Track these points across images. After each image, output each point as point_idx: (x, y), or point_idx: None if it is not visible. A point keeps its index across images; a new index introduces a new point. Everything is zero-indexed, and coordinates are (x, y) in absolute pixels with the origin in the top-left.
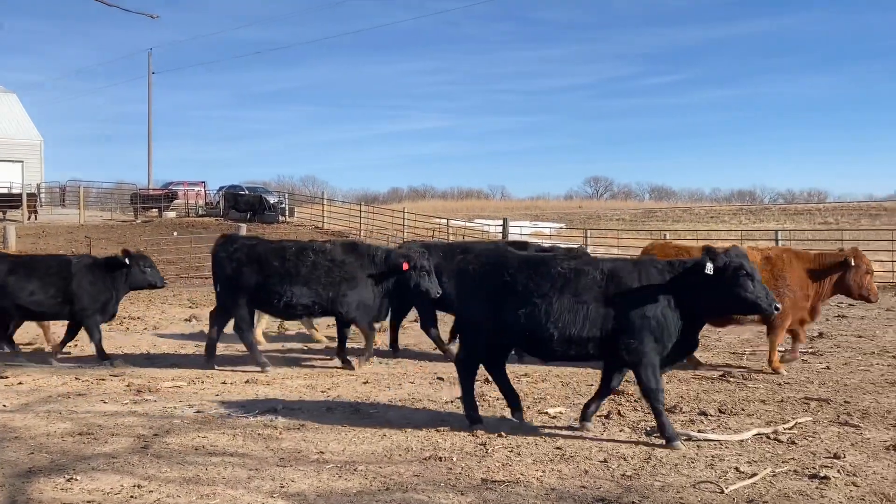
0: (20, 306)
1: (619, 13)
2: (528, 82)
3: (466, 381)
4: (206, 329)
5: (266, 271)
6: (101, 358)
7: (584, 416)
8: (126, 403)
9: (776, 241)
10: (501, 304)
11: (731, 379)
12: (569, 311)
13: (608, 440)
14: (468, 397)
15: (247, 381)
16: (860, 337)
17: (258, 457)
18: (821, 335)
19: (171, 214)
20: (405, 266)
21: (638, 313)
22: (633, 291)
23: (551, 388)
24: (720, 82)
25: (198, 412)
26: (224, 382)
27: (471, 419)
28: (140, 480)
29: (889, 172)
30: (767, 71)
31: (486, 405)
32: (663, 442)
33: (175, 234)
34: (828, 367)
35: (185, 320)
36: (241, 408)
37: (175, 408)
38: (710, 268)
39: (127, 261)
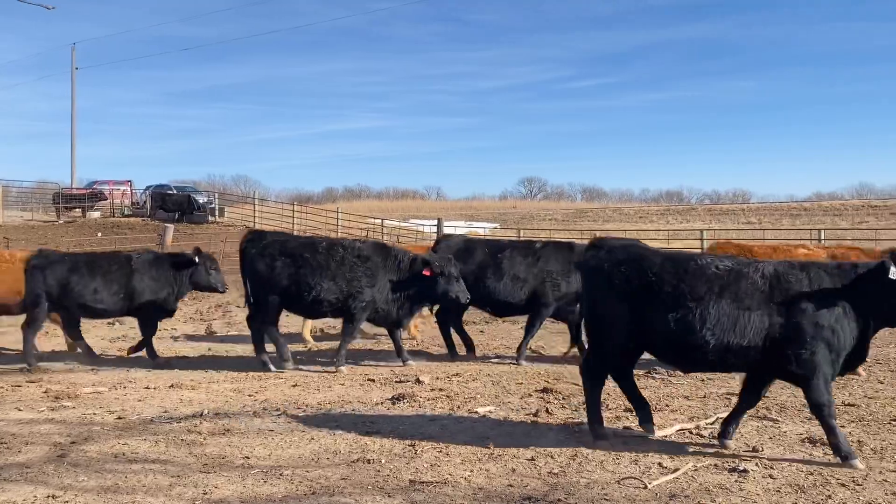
0: (84, 305)
1: (551, 16)
2: (463, 83)
3: (594, 390)
4: (129, 333)
5: (297, 267)
6: (152, 357)
7: (724, 434)
8: (42, 411)
9: (702, 241)
10: (644, 307)
11: (657, 376)
12: (727, 318)
13: (536, 438)
14: (594, 409)
15: (171, 386)
16: None
17: (181, 463)
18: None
19: (96, 215)
20: (427, 273)
21: (811, 321)
22: (803, 297)
23: (482, 387)
24: (649, 86)
25: (119, 418)
26: (147, 387)
27: (595, 434)
28: (55, 490)
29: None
30: (694, 75)
31: (417, 406)
32: (838, 461)
33: (99, 234)
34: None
35: (109, 324)
36: (164, 413)
37: (95, 414)
38: (894, 272)
39: (196, 259)
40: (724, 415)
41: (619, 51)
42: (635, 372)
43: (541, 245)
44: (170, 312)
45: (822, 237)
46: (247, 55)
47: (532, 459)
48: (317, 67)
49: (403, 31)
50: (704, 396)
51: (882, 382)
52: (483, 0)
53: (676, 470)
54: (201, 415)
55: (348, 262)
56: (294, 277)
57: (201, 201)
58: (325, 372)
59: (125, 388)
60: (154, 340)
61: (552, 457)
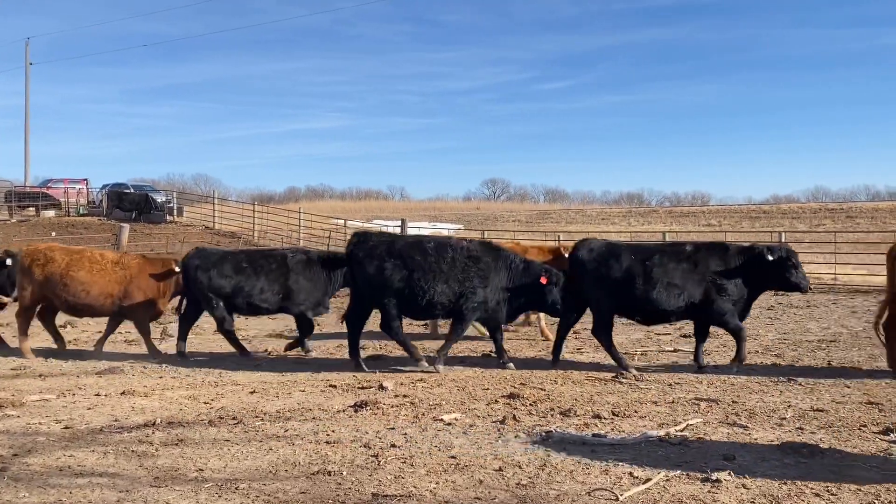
0: (251, 304)
1: (516, 18)
2: (427, 84)
3: None
4: (81, 336)
5: (408, 268)
6: (305, 350)
7: None
8: None
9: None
10: None
11: (624, 380)
12: None
13: (504, 447)
14: None
15: (123, 393)
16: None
17: (130, 476)
18: (685, 336)
19: (50, 214)
20: (544, 280)
21: None
22: None
23: (447, 392)
24: (612, 88)
25: (66, 428)
26: (98, 394)
27: None
28: None
29: (766, 177)
30: (656, 79)
31: (380, 413)
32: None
33: (53, 234)
34: (716, 367)
35: (60, 326)
36: (114, 422)
37: (40, 424)
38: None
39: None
40: (695, 421)
41: (582, 53)
42: (602, 376)
43: (693, 248)
44: (325, 310)
45: (783, 239)
46: (208, 52)
47: (500, 470)
48: (280, 66)
49: (368, 30)
50: (673, 402)
51: (849, 387)
52: (447, 1)
53: (648, 480)
54: (153, 424)
55: (460, 262)
56: (406, 280)
57: (159, 200)
58: (285, 378)
59: (74, 395)
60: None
61: (520, 467)
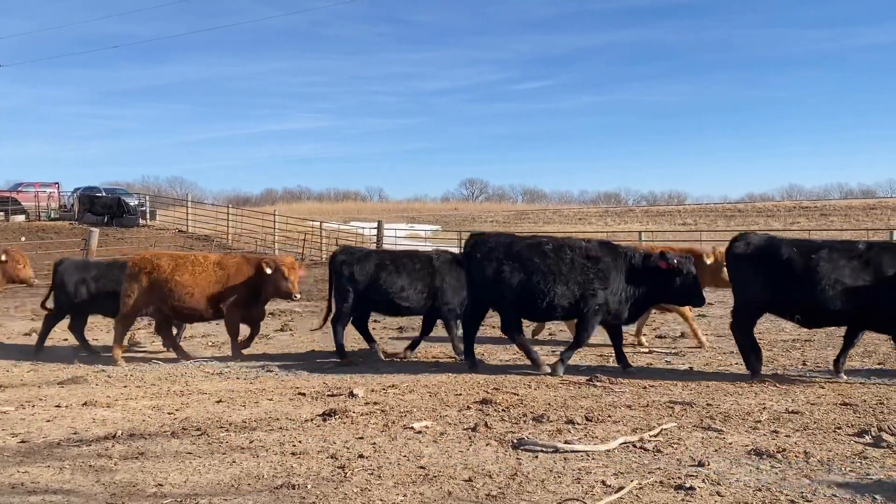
0: (391, 302)
1: (493, 18)
2: (405, 84)
3: None
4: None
5: (527, 270)
6: (458, 353)
7: None
8: None
9: (640, 242)
10: None
11: (598, 383)
12: None
13: (474, 455)
14: None
15: (84, 404)
16: (720, 336)
17: (86, 493)
18: (682, 335)
19: (20, 218)
20: (664, 265)
21: None
22: None
23: (419, 399)
24: (588, 89)
25: (22, 442)
26: (58, 406)
27: None
28: None
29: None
30: (632, 79)
31: (349, 422)
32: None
33: (23, 239)
34: (690, 369)
35: (25, 335)
36: (74, 434)
37: None
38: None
39: None
40: (669, 425)
41: (558, 54)
42: (577, 379)
43: (866, 246)
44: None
45: None
46: (183, 54)
47: (469, 480)
48: (256, 67)
49: (344, 31)
50: (647, 405)
51: (823, 388)
52: (425, 1)
53: (621, 489)
54: (114, 436)
55: (579, 264)
56: (524, 282)
57: (132, 204)
58: (253, 386)
59: (34, 406)
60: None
61: (490, 476)
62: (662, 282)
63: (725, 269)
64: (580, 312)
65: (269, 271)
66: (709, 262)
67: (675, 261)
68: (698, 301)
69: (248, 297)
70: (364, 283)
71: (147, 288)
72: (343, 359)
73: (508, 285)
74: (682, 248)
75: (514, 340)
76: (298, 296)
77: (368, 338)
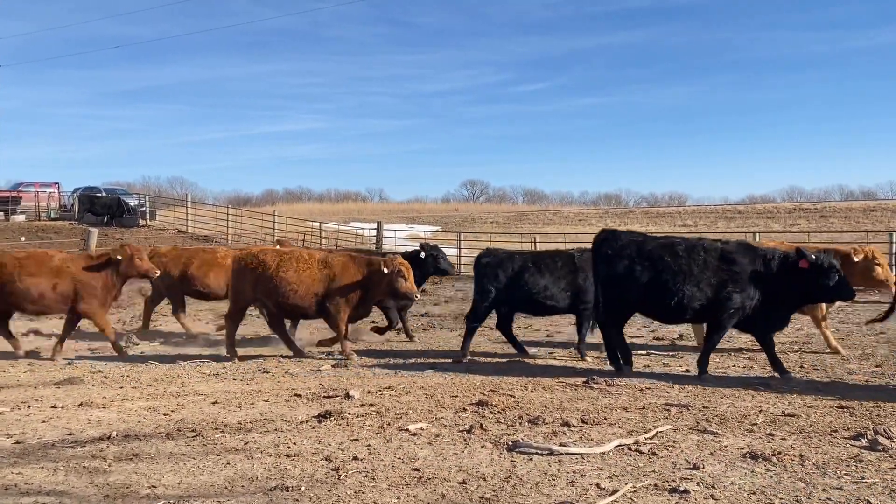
0: (536, 302)
1: (492, 20)
2: (404, 86)
3: None
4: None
5: (657, 269)
6: (582, 355)
7: None
8: None
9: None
10: None
11: (595, 385)
12: None
13: (469, 458)
14: None
15: (80, 405)
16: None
17: (79, 495)
18: (680, 336)
19: (20, 218)
20: (804, 265)
21: None
22: None
23: (415, 401)
24: (588, 90)
25: (17, 443)
26: (54, 406)
27: None
28: None
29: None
30: (632, 80)
31: (345, 423)
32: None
33: (23, 239)
34: (687, 370)
35: (23, 335)
36: (69, 436)
37: None
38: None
39: None
40: (664, 428)
41: (557, 56)
42: (573, 381)
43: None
44: None
45: (757, 239)
46: (183, 54)
47: (463, 483)
48: (256, 68)
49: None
50: (643, 407)
51: (820, 390)
52: (424, 3)
53: (615, 492)
54: (109, 437)
55: (713, 265)
56: (653, 281)
57: (132, 204)
58: (249, 387)
59: (29, 407)
60: None
61: (485, 479)
62: (805, 281)
63: (876, 267)
64: (713, 315)
65: (386, 270)
66: (857, 259)
67: (815, 257)
68: (847, 294)
69: (353, 296)
70: (508, 284)
71: (252, 283)
72: (464, 357)
73: (635, 284)
74: (821, 246)
75: (606, 338)
76: (418, 296)
77: (514, 342)
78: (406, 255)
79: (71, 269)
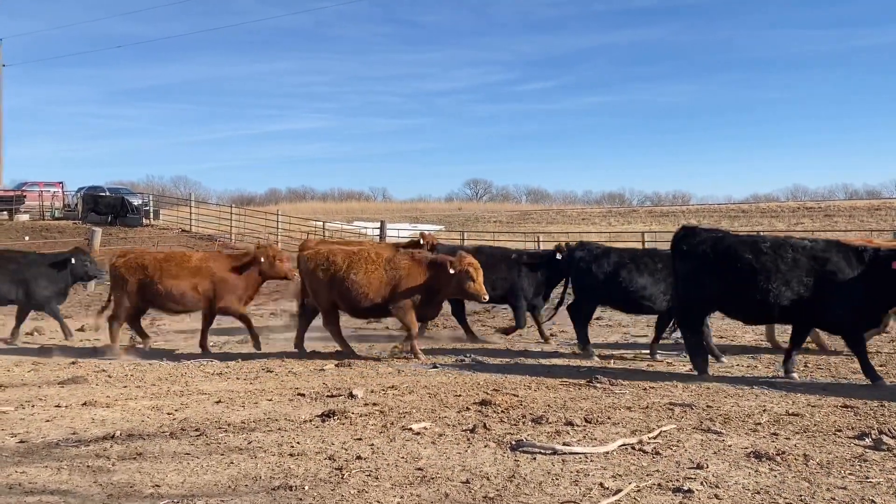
0: (632, 300)
1: (496, 19)
2: (408, 85)
3: None
4: (48, 343)
5: (739, 267)
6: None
7: None
8: None
9: (643, 243)
10: None
11: (598, 385)
12: None
13: (472, 457)
14: None
15: (84, 404)
16: (721, 338)
17: (83, 494)
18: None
19: (24, 217)
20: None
21: None
22: None
23: (418, 400)
24: (592, 89)
25: (21, 442)
26: (58, 406)
27: None
28: None
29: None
30: (635, 79)
31: (348, 423)
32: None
33: (27, 238)
34: (692, 370)
35: (27, 333)
36: (73, 435)
37: None
38: None
39: None
40: (668, 427)
41: (561, 54)
42: (577, 380)
43: None
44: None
45: None
46: (187, 53)
47: (466, 482)
48: (260, 67)
49: (348, 31)
50: (647, 407)
51: (825, 389)
52: (428, 2)
53: (619, 491)
54: (112, 437)
55: (802, 264)
56: (735, 279)
57: (136, 203)
58: (252, 387)
59: (34, 406)
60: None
61: (488, 478)
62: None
63: None
64: (802, 316)
65: (453, 271)
66: None
67: None
68: None
69: (420, 296)
70: (604, 280)
71: (326, 283)
72: (585, 351)
73: (714, 282)
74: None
75: (686, 340)
76: (486, 297)
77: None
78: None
79: (211, 269)
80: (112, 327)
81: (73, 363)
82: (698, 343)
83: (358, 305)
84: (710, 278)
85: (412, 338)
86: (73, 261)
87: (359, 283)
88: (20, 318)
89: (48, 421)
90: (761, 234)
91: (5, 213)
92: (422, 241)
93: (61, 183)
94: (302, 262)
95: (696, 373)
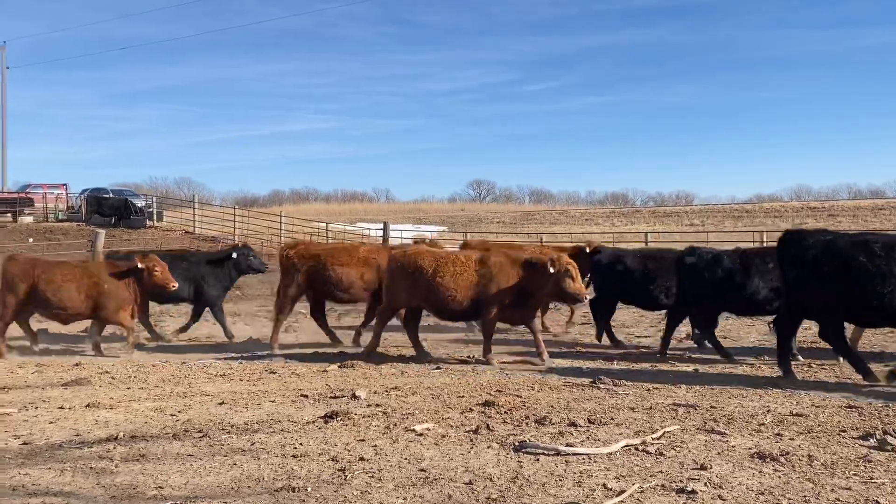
0: (749, 302)
1: (498, 19)
2: (411, 85)
3: None
4: (52, 345)
5: (852, 270)
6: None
7: None
8: None
9: (646, 243)
10: None
11: (602, 386)
12: None
13: (475, 458)
14: None
15: (88, 406)
16: (724, 338)
17: (86, 495)
18: (688, 336)
19: (28, 219)
20: None
21: None
22: None
23: (421, 401)
24: (594, 89)
25: (24, 444)
26: (62, 407)
27: None
28: None
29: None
30: (638, 79)
31: (351, 424)
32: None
33: (30, 240)
34: (695, 370)
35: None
36: (76, 437)
37: None
38: None
39: None
40: (672, 428)
41: (563, 55)
42: (580, 381)
43: None
44: None
45: (765, 239)
46: (190, 55)
47: (470, 483)
48: (262, 68)
49: (351, 32)
50: (650, 408)
51: (830, 390)
52: (430, 2)
53: (622, 492)
54: (115, 438)
55: None
56: (849, 283)
57: (139, 205)
58: (255, 388)
59: (37, 408)
60: None
61: (491, 480)
62: None
63: None
64: None
65: (552, 271)
66: None
67: None
68: None
69: (513, 297)
70: (718, 285)
71: (410, 285)
72: (727, 357)
73: (827, 287)
74: None
75: (836, 349)
76: (586, 298)
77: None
78: None
79: (378, 261)
80: (278, 319)
81: (77, 365)
82: (788, 350)
83: (445, 307)
84: (819, 283)
85: (488, 341)
86: (235, 256)
87: (446, 284)
88: (195, 317)
89: (52, 422)
90: (869, 231)
91: (9, 215)
92: (587, 249)
93: (65, 185)
94: (389, 263)
95: (782, 374)
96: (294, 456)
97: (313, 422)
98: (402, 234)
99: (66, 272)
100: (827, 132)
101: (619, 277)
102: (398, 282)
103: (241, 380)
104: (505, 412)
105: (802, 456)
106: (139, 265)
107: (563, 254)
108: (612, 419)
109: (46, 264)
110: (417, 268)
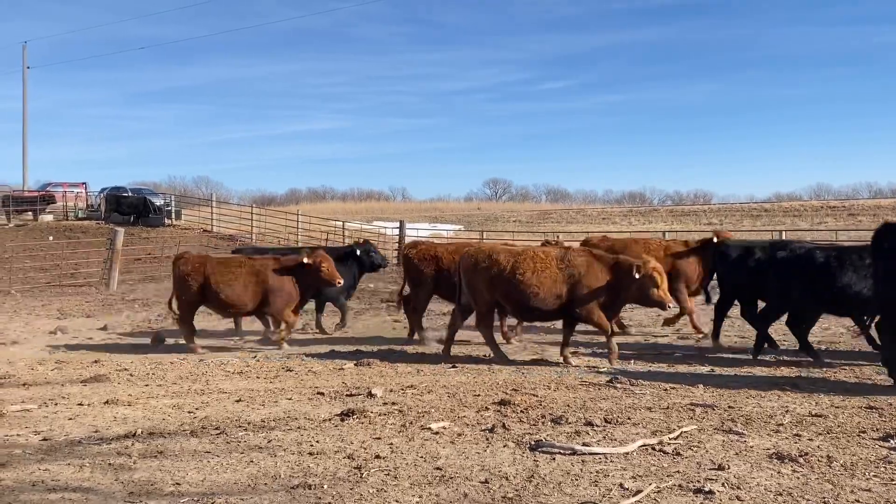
0: (844, 299)
1: (514, 18)
2: (427, 84)
3: None
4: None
5: None
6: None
7: None
8: None
9: None
10: None
11: (618, 385)
12: None
13: (491, 457)
14: None
15: (106, 402)
16: (743, 338)
17: (104, 491)
18: (705, 336)
19: (49, 218)
20: None
21: None
22: None
23: (437, 400)
24: (612, 88)
25: (44, 440)
26: (81, 404)
27: None
28: None
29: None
30: (657, 77)
31: (367, 422)
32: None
33: (51, 238)
34: (712, 370)
35: (50, 333)
36: (95, 433)
37: (18, 435)
38: None
39: None
40: (689, 428)
41: (581, 53)
42: (597, 380)
43: None
44: None
45: (784, 237)
46: (208, 55)
47: (486, 482)
48: (280, 68)
49: (367, 31)
50: (667, 407)
51: (849, 390)
52: (446, 1)
53: (639, 492)
54: (134, 435)
55: None
56: None
57: (158, 203)
58: (272, 385)
59: (57, 404)
60: None
61: (507, 478)
62: None
63: None
64: None
65: (637, 275)
66: None
67: None
68: None
69: (601, 299)
70: (810, 281)
71: (488, 283)
72: (815, 357)
73: None
74: None
75: (883, 342)
76: (672, 305)
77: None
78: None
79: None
80: (412, 318)
81: (96, 362)
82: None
83: (526, 306)
84: None
85: (610, 336)
86: (357, 252)
87: (528, 282)
88: (319, 309)
89: (71, 419)
90: None
91: (30, 213)
92: (715, 240)
93: (84, 184)
94: (463, 261)
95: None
96: (310, 453)
97: (329, 419)
98: (418, 232)
99: (235, 269)
100: (847, 130)
101: (749, 272)
102: (479, 280)
103: (258, 377)
104: (521, 411)
105: (821, 457)
106: (306, 261)
107: (651, 258)
108: (628, 419)
109: (216, 261)
110: (496, 266)
